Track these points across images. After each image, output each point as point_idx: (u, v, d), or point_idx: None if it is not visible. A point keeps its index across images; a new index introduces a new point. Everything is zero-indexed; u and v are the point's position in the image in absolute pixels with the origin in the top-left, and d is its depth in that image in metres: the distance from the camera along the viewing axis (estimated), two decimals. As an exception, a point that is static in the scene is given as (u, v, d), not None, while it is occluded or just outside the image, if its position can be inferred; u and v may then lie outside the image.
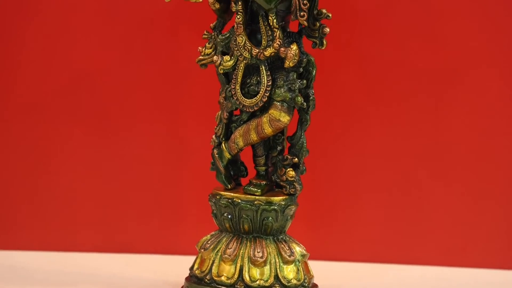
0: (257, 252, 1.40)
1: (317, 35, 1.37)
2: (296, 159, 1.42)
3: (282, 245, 1.42)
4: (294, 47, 1.34)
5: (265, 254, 1.40)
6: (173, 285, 1.63)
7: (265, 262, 1.40)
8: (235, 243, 1.42)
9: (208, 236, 1.47)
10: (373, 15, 1.94)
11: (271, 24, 1.35)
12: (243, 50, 1.37)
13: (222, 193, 1.44)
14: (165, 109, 1.99)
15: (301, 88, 1.39)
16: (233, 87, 1.40)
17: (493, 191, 1.96)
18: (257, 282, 1.40)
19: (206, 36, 1.44)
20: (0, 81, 1.99)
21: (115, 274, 1.81)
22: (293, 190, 1.41)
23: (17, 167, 2.00)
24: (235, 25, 1.38)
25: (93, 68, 1.98)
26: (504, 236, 1.96)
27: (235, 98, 1.40)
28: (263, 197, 1.41)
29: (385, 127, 1.96)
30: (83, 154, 2.00)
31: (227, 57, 1.40)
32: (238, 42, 1.38)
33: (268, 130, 1.39)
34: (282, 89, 1.37)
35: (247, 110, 1.39)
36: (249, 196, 1.41)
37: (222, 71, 1.41)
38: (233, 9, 1.38)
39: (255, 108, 1.39)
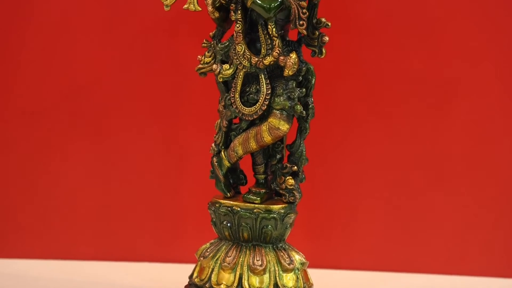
0: (257, 260, 1.40)
1: (316, 43, 1.37)
2: (295, 167, 1.42)
3: (282, 253, 1.42)
4: (293, 55, 1.34)
5: (265, 262, 1.40)
6: (172, 293, 1.63)
7: (264, 270, 1.40)
8: (234, 251, 1.42)
9: (208, 244, 1.47)
10: (372, 23, 1.94)
11: (270, 33, 1.35)
12: (242, 59, 1.38)
13: (222, 201, 1.44)
14: (164, 117, 2.00)
15: (301, 97, 1.39)
16: (232, 95, 1.40)
17: (492, 199, 1.96)
18: (257, 290, 1.40)
19: (205, 44, 1.45)
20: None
21: (114, 282, 1.81)
22: (292, 198, 1.41)
23: (17, 175, 2.00)
24: (235, 34, 1.38)
25: (92, 75, 1.99)
26: (503, 244, 1.96)
27: (235, 106, 1.40)
28: (263, 205, 1.41)
29: (385, 135, 1.96)
30: (83, 162, 2.00)
31: (226, 66, 1.41)
32: (238, 51, 1.38)
33: (267, 139, 1.39)
34: (281, 98, 1.37)
35: (247, 118, 1.40)
36: (249, 204, 1.41)
37: (221, 80, 1.42)
38: (233, 18, 1.38)
39: (255, 117, 1.39)
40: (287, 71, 1.35)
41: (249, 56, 1.37)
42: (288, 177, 1.41)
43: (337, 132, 1.97)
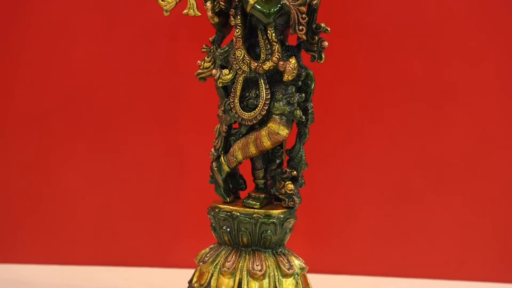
0: (256, 265, 1.40)
1: (315, 49, 1.37)
2: (295, 172, 1.42)
3: (281, 258, 1.42)
4: (292, 60, 1.35)
5: (264, 267, 1.40)
6: (172, 298, 1.63)
7: (264, 275, 1.40)
8: (234, 256, 1.42)
9: (207, 249, 1.47)
10: (371, 28, 1.94)
11: (270, 38, 1.35)
12: (242, 64, 1.38)
13: (221, 206, 1.44)
14: (164, 122, 2.00)
15: (300, 102, 1.39)
16: (232, 100, 1.40)
17: (491, 204, 1.96)
18: (256, 295, 1.40)
19: (205, 49, 1.45)
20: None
21: (114, 287, 1.81)
22: (292, 203, 1.41)
23: (17, 181, 2.01)
24: (234, 39, 1.38)
25: (93, 80, 1.99)
26: (501, 249, 1.96)
27: (234, 111, 1.40)
28: (262, 210, 1.41)
29: (384, 140, 1.97)
30: (83, 167, 2.00)
31: (226, 71, 1.41)
32: (237, 56, 1.38)
33: (267, 143, 1.39)
34: (281, 103, 1.37)
35: (246, 123, 1.40)
36: (248, 209, 1.41)
37: (221, 85, 1.42)
38: (232, 23, 1.38)
39: (254, 122, 1.39)
40: (287, 76, 1.35)
41: (248, 61, 1.37)
42: (287, 182, 1.41)
43: (336, 137, 1.97)
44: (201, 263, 1.45)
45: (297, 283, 1.42)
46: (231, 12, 1.38)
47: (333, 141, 1.97)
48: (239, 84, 1.39)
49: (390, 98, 1.96)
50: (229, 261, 1.42)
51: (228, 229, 1.42)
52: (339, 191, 1.99)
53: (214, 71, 1.42)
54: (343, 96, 1.96)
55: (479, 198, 1.96)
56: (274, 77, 1.38)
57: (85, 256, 2.00)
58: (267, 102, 1.37)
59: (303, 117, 1.39)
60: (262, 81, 1.37)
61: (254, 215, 1.40)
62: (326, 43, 1.36)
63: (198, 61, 1.45)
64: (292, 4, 1.32)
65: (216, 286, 1.41)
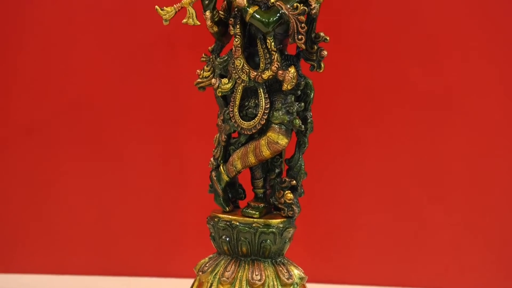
0: (255, 275, 1.40)
1: (315, 58, 1.37)
2: (294, 181, 1.41)
3: (280, 268, 1.42)
4: (292, 70, 1.34)
5: (263, 277, 1.40)
6: (171, 308, 1.63)
7: (263, 285, 1.40)
8: (233, 266, 1.42)
9: (206, 258, 1.47)
10: (370, 38, 1.95)
11: (269, 47, 1.35)
12: (241, 73, 1.38)
13: (220, 215, 1.43)
14: (163, 131, 2.00)
15: (299, 111, 1.39)
16: (231, 109, 1.40)
17: (490, 215, 1.96)
18: (255, 305, 1.40)
19: (204, 59, 1.45)
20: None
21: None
22: (291, 212, 1.41)
23: (16, 191, 2.00)
24: (233, 48, 1.38)
25: (92, 89, 1.99)
26: (500, 259, 1.96)
27: (233, 120, 1.40)
28: (261, 220, 1.40)
29: (383, 149, 1.97)
30: (82, 176, 2.00)
31: (225, 80, 1.40)
32: (236, 65, 1.38)
33: (266, 153, 1.39)
34: (280, 112, 1.37)
35: (245, 132, 1.40)
36: (247, 218, 1.41)
37: (220, 94, 1.42)
38: (231, 32, 1.38)
39: (253, 131, 1.39)
40: (286, 86, 1.35)
41: (248, 70, 1.37)
42: (287, 192, 1.41)
43: (335, 146, 1.97)
44: (200, 273, 1.44)
45: (296, 292, 1.42)
46: (230, 22, 1.38)
47: (332, 150, 1.97)
48: (238, 93, 1.39)
49: (390, 108, 1.96)
50: (229, 271, 1.41)
51: (227, 239, 1.42)
52: (338, 201, 1.99)
53: (213, 80, 1.42)
54: (343, 106, 1.96)
55: (479, 207, 1.95)
56: (274, 86, 1.38)
57: (84, 266, 2.00)
58: (266, 111, 1.37)
59: (303, 126, 1.39)
60: (261, 90, 1.37)
61: (254, 225, 1.40)
62: (325, 53, 1.36)
63: (198, 70, 1.45)
64: (291, 14, 1.32)
65: (215, 296, 1.41)
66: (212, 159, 1.46)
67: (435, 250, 1.97)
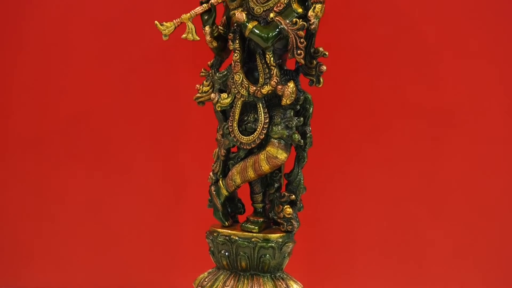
0: (255, 289, 1.40)
1: (314, 73, 1.38)
2: (293, 196, 1.41)
3: (280, 283, 1.42)
4: (291, 84, 1.35)
5: (263, 292, 1.40)
6: (170, 323, 1.62)
7: (262, 300, 1.40)
8: (232, 281, 1.42)
9: (206, 273, 1.47)
10: (370, 53, 1.95)
11: (268, 62, 1.36)
12: (240, 88, 1.38)
13: (220, 230, 1.43)
14: (163, 146, 2.00)
15: (298, 126, 1.39)
16: (230, 124, 1.40)
17: (491, 231, 1.95)
18: (255, 320, 1.39)
19: (203, 74, 1.45)
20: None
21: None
22: (290, 227, 1.41)
23: (17, 206, 2.00)
24: (233, 63, 1.39)
25: (90, 105, 1.99)
26: (500, 275, 1.95)
27: (233, 135, 1.40)
28: (261, 234, 1.40)
29: (382, 164, 1.97)
30: (81, 192, 2.00)
31: (224, 95, 1.41)
32: (236, 80, 1.38)
33: (265, 167, 1.39)
34: (279, 127, 1.37)
35: (245, 147, 1.40)
36: (247, 233, 1.41)
37: (219, 109, 1.42)
38: (231, 48, 1.39)
39: (253, 146, 1.39)
40: (285, 100, 1.35)
41: (247, 85, 1.37)
42: (286, 206, 1.41)
43: (335, 161, 1.97)
44: (200, 288, 1.44)
45: (295, 307, 1.42)
46: (229, 37, 1.39)
47: (331, 165, 1.97)
48: (238, 108, 1.39)
49: (389, 122, 1.96)
50: (228, 286, 1.41)
51: (226, 253, 1.42)
52: (337, 215, 1.99)
53: (212, 95, 1.42)
54: (342, 120, 1.96)
55: (479, 223, 1.95)
56: (273, 101, 1.38)
57: (84, 280, 2.00)
58: (266, 126, 1.37)
59: (302, 141, 1.39)
60: (260, 105, 1.38)
61: (253, 239, 1.40)
62: (324, 67, 1.37)
63: (197, 85, 1.45)
64: (290, 29, 1.32)
65: (214, 310, 1.41)
66: (211, 173, 1.46)
67: (435, 267, 1.96)
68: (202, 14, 1.40)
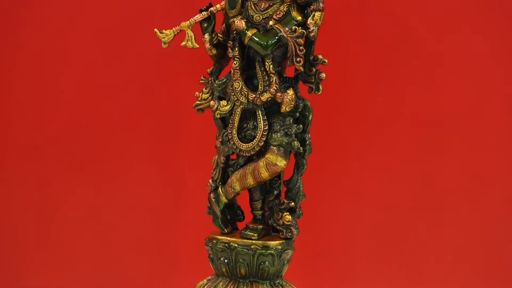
0: (254, 297, 1.40)
1: (313, 80, 1.38)
2: (292, 203, 1.41)
3: (279, 290, 1.42)
4: (290, 92, 1.35)
5: (262, 299, 1.40)
6: (169, 330, 1.62)
7: (261, 307, 1.40)
8: (231, 288, 1.42)
9: (205, 280, 1.47)
10: (369, 60, 1.95)
11: (267, 69, 1.36)
12: (239, 95, 1.38)
13: (219, 237, 1.43)
14: (162, 153, 2.00)
15: (298, 133, 1.39)
16: (229, 131, 1.41)
17: (491, 239, 1.95)
18: (254, 327, 1.39)
19: (203, 81, 1.45)
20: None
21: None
22: (289, 234, 1.41)
23: (16, 212, 2.00)
24: (232, 71, 1.39)
25: (90, 112, 1.99)
26: (500, 284, 1.96)
27: (232, 142, 1.40)
28: (260, 242, 1.40)
29: (382, 171, 1.97)
30: (81, 197, 2.00)
31: (223, 102, 1.41)
32: (235, 87, 1.38)
33: (264, 175, 1.39)
34: (278, 134, 1.37)
35: (244, 154, 1.40)
36: (246, 240, 1.41)
37: (219, 116, 1.42)
38: (230, 55, 1.39)
39: (252, 153, 1.39)
40: (284, 108, 1.35)
41: (246, 93, 1.38)
42: (285, 213, 1.41)
43: (334, 168, 1.97)
44: (199, 295, 1.44)
45: (295, 314, 1.42)
46: (229, 44, 1.39)
47: (331, 172, 1.97)
48: (237, 115, 1.39)
49: (389, 130, 1.96)
50: (227, 293, 1.41)
51: (226, 261, 1.42)
52: (337, 222, 1.99)
53: (212, 102, 1.42)
54: (341, 128, 1.97)
55: (478, 230, 1.95)
56: (272, 108, 1.38)
57: (82, 285, 2.00)
58: (265, 133, 1.38)
59: (301, 148, 1.39)
60: (259, 112, 1.38)
61: (252, 246, 1.40)
62: (323, 75, 1.37)
63: (196, 93, 1.45)
64: (289, 36, 1.33)
65: (213, 318, 1.41)
66: (210, 180, 1.46)
67: (435, 274, 1.96)
68: (201, 21, 1.40)
